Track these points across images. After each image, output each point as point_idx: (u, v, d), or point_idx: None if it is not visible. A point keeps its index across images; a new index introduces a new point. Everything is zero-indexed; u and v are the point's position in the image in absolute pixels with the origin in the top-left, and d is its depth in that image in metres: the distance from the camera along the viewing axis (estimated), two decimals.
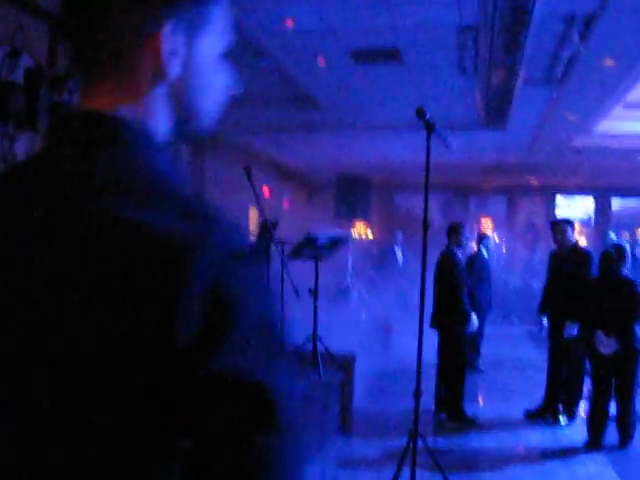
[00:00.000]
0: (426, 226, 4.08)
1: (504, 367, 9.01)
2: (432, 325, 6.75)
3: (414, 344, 7.90)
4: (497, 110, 9.41)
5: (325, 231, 6.30)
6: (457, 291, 6.60)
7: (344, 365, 6.58)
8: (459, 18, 6.78)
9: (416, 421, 3.90)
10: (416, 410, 3.90)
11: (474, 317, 6.67)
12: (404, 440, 5.82)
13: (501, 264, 14.38)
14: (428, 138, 4.02)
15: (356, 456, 5.65)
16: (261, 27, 7.30)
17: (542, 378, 6.80)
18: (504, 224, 15.98)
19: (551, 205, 15.70)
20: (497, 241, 15.44)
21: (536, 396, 6.83)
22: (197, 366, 0.78)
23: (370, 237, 14.32)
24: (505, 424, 6.54)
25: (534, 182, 15.07)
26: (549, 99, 8.88)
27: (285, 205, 13.95)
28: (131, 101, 0.95)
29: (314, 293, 6.31)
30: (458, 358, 6.65)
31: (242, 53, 8.07)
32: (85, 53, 0.95)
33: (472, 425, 6.42)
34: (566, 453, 5.69)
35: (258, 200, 5.54)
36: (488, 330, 9.64)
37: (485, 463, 5.44)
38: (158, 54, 0.93)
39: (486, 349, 9.09)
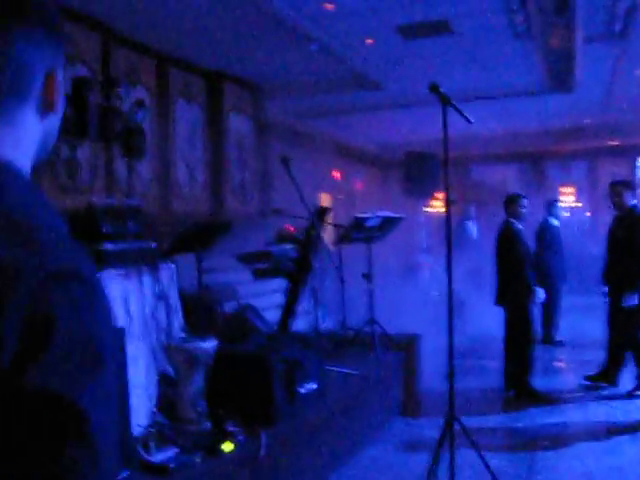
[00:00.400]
0: (449, 202, 3.91)
1: (582, 340, 8.64)
2: (497, 302, 6.55)
3: (486, 320, 7.75)
4: (560, 72, 8.99)
5: (374, 212, 6.20)
6: (519, 264, 6.35)
7: (406, 346, 6.52)
8: None
9: (451, 402, 3.80)
10: (451, 390, 3.80)
11: (540, 291, 6.40)
12: (469, 420, 5.79)
13: (583, 232, 13.75)
14: (444, 112, 3.87)
15: (418, 438, 5.56)
16: (303, 12, 7.26)
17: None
18: (586, 189, 15.29)
19: (635, 166, 14.86)
20: (579, 207, 14.86)
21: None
22: (9, 385, 0.80)
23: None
24: (574, 400, 6.29)
25: (614, 143, 14.33)
26: (614, 56, 8.40)
27: (358, 187, 13.88)
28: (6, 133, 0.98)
29: (367, 277, 6.24)
30: (525, 334, 6.40)
31: (289, 39, 8.06)
32: None
33: (543, 401, 6.20)
34: (636, 429, 5.42)
35: (298, 189, 5.49)
36: (568, 301, 9.27)
37: (547, 441, 5.22)
38: (54, 90, 1.00)
39: (564, 321, 8.74)
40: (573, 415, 5.87)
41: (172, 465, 3.47)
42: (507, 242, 6.47)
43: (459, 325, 8.39)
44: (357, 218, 6.00)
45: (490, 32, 7.72)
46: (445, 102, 3.82)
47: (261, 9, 7.21)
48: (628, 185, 6.51)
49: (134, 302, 5.01)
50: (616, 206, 6.51)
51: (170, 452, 3.66)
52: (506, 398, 6.43)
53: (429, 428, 5.69)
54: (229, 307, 6.52)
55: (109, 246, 4.90)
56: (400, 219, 6.48)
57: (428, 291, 9.24)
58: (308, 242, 6.44)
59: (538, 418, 5.85)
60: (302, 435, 4.35)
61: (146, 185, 8.59)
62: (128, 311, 4.96)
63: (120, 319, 4.92)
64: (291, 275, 6.50)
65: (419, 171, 10.14)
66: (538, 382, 6.58)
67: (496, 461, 4.88)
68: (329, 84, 9.84)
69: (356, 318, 6.85)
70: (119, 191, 8.17)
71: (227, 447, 3.76)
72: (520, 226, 6.54)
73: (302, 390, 4.40)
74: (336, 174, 13.02)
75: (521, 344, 6.40)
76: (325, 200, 12.93)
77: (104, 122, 6.49)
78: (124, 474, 3.34)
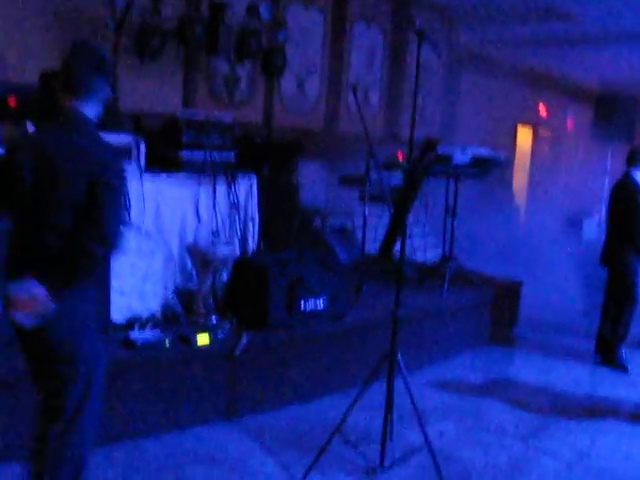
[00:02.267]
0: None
1: None
2: (601, 262, 6.07)
3: None
4: None
5: (466, 149, 6.00)
6: (634, 224, 5.78)
7: (502, 288, 6.49)
8: None
9: (394, 342, 3.84)
10: (394, 327, 3.83)
11: None
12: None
13: None
14: (419, 46, 3.74)
15: (455, 378, 5.54)
16: None
17: None
18: None
19: None
20: None
21: None
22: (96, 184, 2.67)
23: None
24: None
25: None
26: None
27: (569, 126, 12.83)
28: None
29: (451, 213, 6.17)
30: (627, 299, 5.88)
31: None
32: None
33: (622, 369, 5.81)
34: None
35: (363, 121, 5.55)
36: None
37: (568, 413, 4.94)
38: None
39: None
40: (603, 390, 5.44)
41: (139, 343, 4.08)
42: (624, 196, 5.89)
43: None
44: (440, 154, 5.87)
45: None
46: (420, 36, 3.69)
47: None
48: None
49: (204, 207, 5.62)
50: None
51: (152, 333, 4.27)
52: (593, 362, 6.05)
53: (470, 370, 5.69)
54: (328, 224, 6.89)
55: (186, 154, 5.51)
56: (500, 160, 6.20)
57: (577, 241, 8.66)
58: (412, 172, 6.45)
59: (564, 383, 5.52)
60: (296, 348, 4.67)
61: (312, 103, 9.08)
62: (197, 214, 5.60)
63: (189, 220, 5.59)
64: (391, 202, 6.62)
65: (610, 115, 9.26)
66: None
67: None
68: (521, 14, 9.31)
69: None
70: (279, 106, 8.78)
71: (202, 339, 4.26)
72: None
73: (304, 306, 4.71)
74: (541, 108, 12.26)
75: (620, 310, 5.91)
76: (525, 134, 12.32)
77: (241, 42, 7.08)
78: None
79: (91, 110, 2.78)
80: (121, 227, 2.71)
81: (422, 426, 3.73)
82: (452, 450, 4.17)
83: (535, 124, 12.46)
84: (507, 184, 10.96)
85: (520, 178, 12.11)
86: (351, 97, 9.43)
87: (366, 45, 9.51)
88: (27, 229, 2.64)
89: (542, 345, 6.47)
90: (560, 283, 7.67)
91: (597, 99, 9.76)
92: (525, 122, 12.14)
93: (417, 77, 3.70)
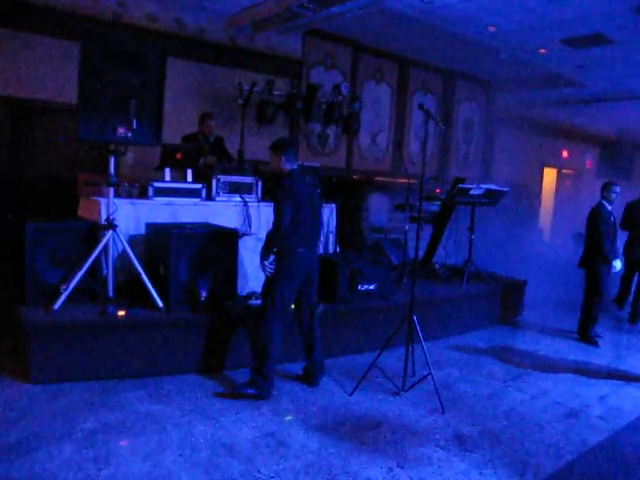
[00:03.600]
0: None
1: None
2: (579, 266, 6.84)
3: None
4: None
5: (479, 184, 6.90)
6: (600, 239, 6.56)
7: (510, 285, 7.30)
8: None
9: (411, 303, 4.87)
10: (411, 297, 4.86)
11: (617, 262, 6.57)
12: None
13: None
14: (426, 122, 4.74)
15: (466, 344, 6.45)
16: (484, 33, 8.00)
17: None
18: None
19: None
20: None
21: None
22: None
23: None
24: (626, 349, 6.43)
25: None
26: None
27: (588, 165, 13.30)
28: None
29: (470, 230, 7.06)
30: (596, 293, 6.61)
31: (485, 52, 8.79)
32: None
33: (593, 344, 6.55)
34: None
35: (404, 166, 6.58)
36: None
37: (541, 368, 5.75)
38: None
39: None
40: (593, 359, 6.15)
41: (254, 306, 5.29)
42: (594, 220, 6.66)
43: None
44: (460, 187, 6.81)
45: None
46: (428, 115, 4.69)
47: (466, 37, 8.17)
48: None
49: None
50: None
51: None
52: (575, 339, 6.80)
53: (479, 340, 6.57)
54: (387, 236, 7.97)
55: None
56: (505, 192, 7.07)
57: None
58: (446, 202, 7.42)
59: (547, 350, 6.24)
60: (354, 316, 5.75)
61: (382, 152, 10.20)
62: None
63: None
64: (432, 223, 7.64)
65: (613, 157, 9.87)
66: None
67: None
68: (541, 82, 10.10)
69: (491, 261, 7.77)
70: (357, 154, 9.95)
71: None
72: (609, 208, 6.67)
73: (360, 288, 5.82)
74: (563, 152, 12.81)
75: (591, 301, 6.65)
76: (550, 174, 12.89)
77: (328, 111, 8.31)
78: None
79: (293, 164, 4.57)
80: None
81: (429, 365, 4.72)
82: (452, 384, 5.12)
83: (558, 166, 13.03)
84: (535, 212, 11.68)
85: (548, 207, 12.73)
86: (412, 147, 10.58)
87: None
88: (306, 225, 4.51)
89: (539, 326, 7.26)
90: (563, 282, 8.38)
91: (602, 144, 10.34)
92: (550, 165, 12.73)
93: (425, 137, 4.73)
